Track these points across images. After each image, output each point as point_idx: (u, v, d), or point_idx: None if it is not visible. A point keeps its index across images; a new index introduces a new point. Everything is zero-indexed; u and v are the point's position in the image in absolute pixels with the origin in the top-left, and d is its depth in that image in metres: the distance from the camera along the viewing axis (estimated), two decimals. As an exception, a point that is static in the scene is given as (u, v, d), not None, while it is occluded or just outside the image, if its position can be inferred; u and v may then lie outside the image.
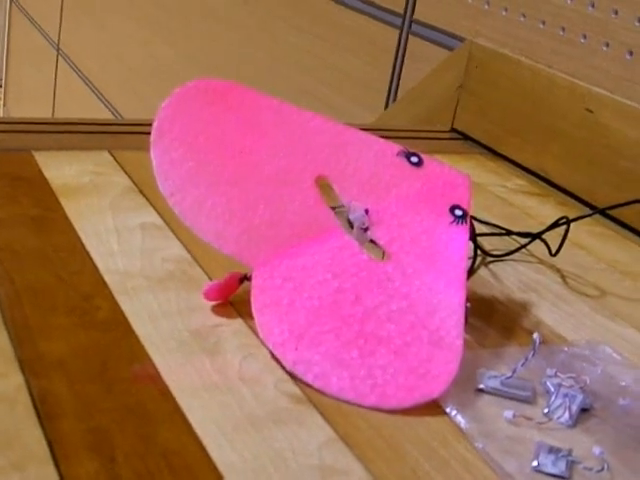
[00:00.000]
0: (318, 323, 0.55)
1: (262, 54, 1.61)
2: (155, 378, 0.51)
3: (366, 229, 0.62)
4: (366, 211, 0.62)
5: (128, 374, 0.51)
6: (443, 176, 0.65)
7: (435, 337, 0.55)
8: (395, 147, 0.66)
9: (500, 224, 0.83)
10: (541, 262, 0.77)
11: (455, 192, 0.65)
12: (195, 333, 0.56)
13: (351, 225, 0.62)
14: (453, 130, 1.12)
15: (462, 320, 0.57)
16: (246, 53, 1.67)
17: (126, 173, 0.79)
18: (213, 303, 0.60)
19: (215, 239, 0.59)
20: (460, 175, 0.66)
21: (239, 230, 0.59)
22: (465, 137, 1.11)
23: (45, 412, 0.46)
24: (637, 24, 0.88)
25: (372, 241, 0.62)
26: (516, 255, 0.77)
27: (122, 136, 0.89)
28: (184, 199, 0.59)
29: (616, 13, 0.90)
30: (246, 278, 0.60)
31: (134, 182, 0.78)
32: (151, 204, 0.74)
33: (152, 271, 0.63)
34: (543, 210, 0.91)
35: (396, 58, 1.25)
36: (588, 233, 0.85)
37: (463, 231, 0.62)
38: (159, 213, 0.72)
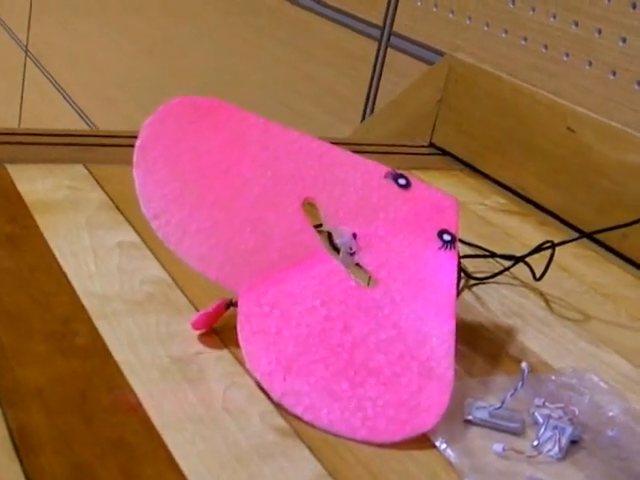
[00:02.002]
0: (307, 353, 0.54)
1: (238, 63, 1.59)
2: (135, 406, 0.49)
3: (353, 253, 0.60)
4: (354, 235, 0.60)
5: (108, 403, 0.49)
6: (430, 199, 0.64)
7: (425, 368, 0.54)
8: (382, 168, 0.64)
9: (481, 244, 0.82)
10: (524, 285, 0.76)
11: (443, 216, 0.63)
12: (177, 360, 0.54)
13: (337, 249, 0.61)
14: (431, 145, 1.11)
15: (452, 350, 0.55)
16: (221, 61, 1.65)
17: (102, 188, 0.77)
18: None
19: (199, 264, 0.57)
20: (448, 198, 0.65)
21: (225, 255, 0.57)
22: (444, 152, 1.10)
23: (23, 446, 0.44)
24: (621, 44, 0.87)
25: (358, 264, 0.61)
26: (499, 277, 0.76)
27: (97, 148, 0.87)
28: (168, 222, 0.57)
29: (600, 32, 0.90)
30: (232, 304, 0.58)
31: (110, 198, 0.76)
32: (128, 222, 0.72)
33: (131, 294, 0.61)
34: (524, 230, 0.90)
35: (374, 71, 1.24)
36: (570, 255, 0.84)
37: (452, 257, 0.61)
38: (137, 231, 0.70)
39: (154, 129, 0.59)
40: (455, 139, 1.07)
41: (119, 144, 0.87)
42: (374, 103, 1.24)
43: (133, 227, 0.71)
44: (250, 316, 0.56)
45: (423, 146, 1.12)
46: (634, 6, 0.86)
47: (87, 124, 2.15)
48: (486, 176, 1.03)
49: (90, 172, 0.80)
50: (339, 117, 1.31)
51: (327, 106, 1.34)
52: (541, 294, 0.75)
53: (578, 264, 0.84)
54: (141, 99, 1.82)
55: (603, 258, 0.86)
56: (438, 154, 1.10)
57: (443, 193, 0.65)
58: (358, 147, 1.05)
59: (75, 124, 2.20)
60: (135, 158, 0.58)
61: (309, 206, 0.61)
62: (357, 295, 0.57)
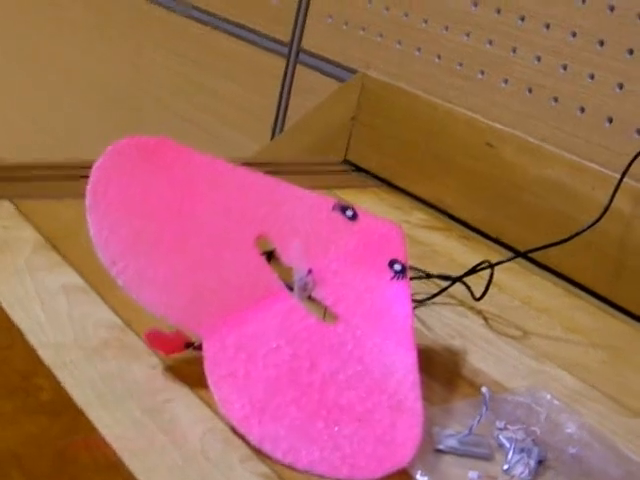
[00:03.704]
0: (278, 394, 0.54)
1: (137, 78, 1.56)
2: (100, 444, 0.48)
3: (308, 289, 0.60)
4: (309, 271, 0.60)
5: (88, 460, 0.48)
6: (378, 229, 0.65)
7: (394, 401, 0.55)
8: (330, 201, 0.65)
9: (412, 263, 0.83)
10: (461, 304, 0.78)
11: (391, 245, 0.64)
12: (148, 411, 0.53)
13: (291, 285, 0.61)
14: (345, 162, 1.12)
15: (418, 381, 0.56)
16: (118, 77, 1.62)
17: (34, 226, 0.75)
18: (159, 375, 0.57)
19: (161, 309, 0.56)
20: (394, 227, 0.66)
21: (185, 299, 0.57)
22: (358, 169, 1.11)
23: (11, 518, 0.43)
24: (536, 63, 0.90)
25: (310, 298, 0.61)
26: (436, 298, 0.78)
27: (22, 183, 0.84)
28: (127, 268, 0.56)
29: (514, 51, 0.92)
30: (193, 346, 0.57)
31: (44, 237, 0.73)
32: (67, 261, 0.70)
33: (86, 340, 0.60)
34: (449, 247, 0.92)
35: (283, 87, 1.24)
36: (498, 270, 0.86)
37: (404, 286, 0.62)
38: (77, 271, 0.69)
39: (104, 172, 0.58)
40: (370, 156, 1.08)
41: (43, 175, 0.84)
42: (284, 120, 1.24)
43: (73, 267, 0.69)
44: (216, 360, 0.55)
45: (337, 163, 1.13)
46: (548, 26, 0.88)
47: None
48: (403, 192, 1.04)
49: (17, 208, 0.78)
50: (247, 134, 1.31)
51: (234, 123, 1.33)
52: (479, 312, 0.77)
53: (506, 278, 0.86)
54: (34, 117, 1.78)
55: (528, 271, 0.88)
56: (353, 171, 1.11)
57: (389, 222, 0.66)
58: (272, 167, 1.05)
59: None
60: (88, 203, 0.57)
61: (263, 243, 0.61)
62: (320, 332, 0.58)
